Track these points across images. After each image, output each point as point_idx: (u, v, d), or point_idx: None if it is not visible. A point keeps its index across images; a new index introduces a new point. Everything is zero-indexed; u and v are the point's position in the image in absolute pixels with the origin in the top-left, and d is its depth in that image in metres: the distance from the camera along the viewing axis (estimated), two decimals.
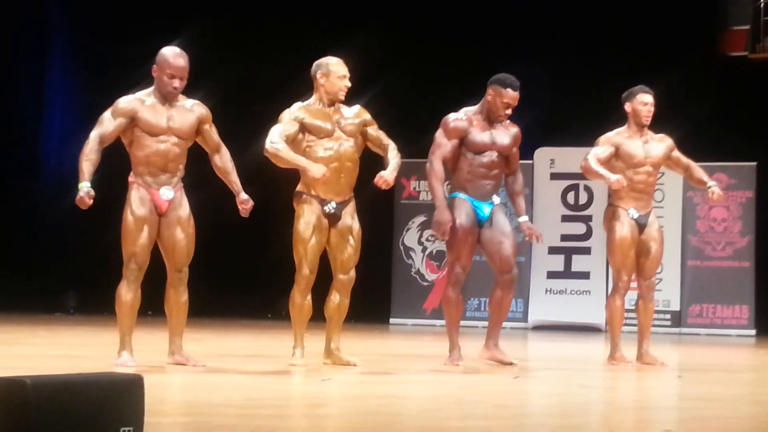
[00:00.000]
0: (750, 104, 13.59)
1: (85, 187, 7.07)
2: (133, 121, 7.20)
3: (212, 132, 7.44)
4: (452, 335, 8.01)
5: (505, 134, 8.02)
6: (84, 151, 7.13)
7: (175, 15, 14.34)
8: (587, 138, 13.54)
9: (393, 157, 7.64)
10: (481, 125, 7.96)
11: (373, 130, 7.68)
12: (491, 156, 7.97)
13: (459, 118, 7.98)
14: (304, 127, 7.52)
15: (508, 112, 7.96)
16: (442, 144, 7.94)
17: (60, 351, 8.91)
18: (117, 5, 14.83)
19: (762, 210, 13.56)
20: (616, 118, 13.14)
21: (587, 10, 14.02)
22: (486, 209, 7.95)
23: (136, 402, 3.87)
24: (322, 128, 7.53)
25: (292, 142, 7.50)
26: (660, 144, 8.56)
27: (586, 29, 14.02)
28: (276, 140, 7.43)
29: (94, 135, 7.17)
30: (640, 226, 8.45)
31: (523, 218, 8.15)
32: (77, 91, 15.18)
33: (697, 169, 8.63)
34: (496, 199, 8.03)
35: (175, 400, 5.79)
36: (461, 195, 7.98)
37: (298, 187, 7.62)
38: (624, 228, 8.41)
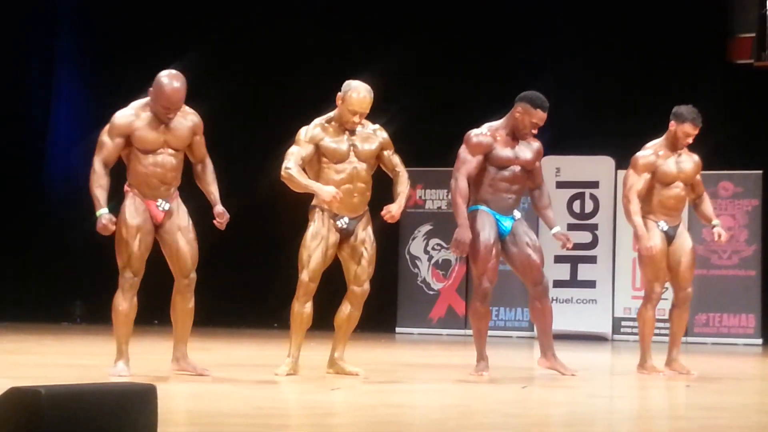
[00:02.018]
0: (756, 112, 13.59)
1: (105, 214, 7.10)
2: (129, 138, 7.21)
3: (201, 143, 7.42)
4: (480, 346, 8.06)
5: (528, 149, 8.04)
6: (93, 180, 7.13)
7: (184, 27, 14.39)
8: (594, 146, 13.67)
9: (402, 190, 7.63)
10: (504, 140, 7.98)
11: (389, 153, 7.66)
12: (514, 170, 7.99)
13: (482, 133, 7.98)
14: (319, 149, 7.51)
15: (535, 131, 8.00)
16: (467, 160, 7.93)
17: (69, 360, 8.93)
18: (126, 15, 14.85)
19: None
20: (622, 125, 13.22)
21: (593, 18, 14.04)
22: (507, 223, 7.97)
23: (150, 412, 3.89)
24: (336, 152, 7.49)
25: (308, 163, 7.49)
26: (691, 161, 8.60)
27: (591, 36, 14.03)
28: (290, 165, 7.40)
29: (97, 162, 7.17)
30: (669, 237, 8.52)
31: (556, 229, 8.18)
32: (85, 101, 15.20)
33: (707, 202, 8.78)
34: (516, 214, 8.04)
35: (184, 409, 5.80)
36: (483, 208, 7.99)
37: (313, 202, 7.60)
38: (655, 239, 8.47)
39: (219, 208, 7.41)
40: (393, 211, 7.53)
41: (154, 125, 7.21)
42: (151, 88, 7.19)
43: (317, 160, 7.52)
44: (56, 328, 13.55)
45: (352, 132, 7.55)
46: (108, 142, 7.20)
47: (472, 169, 7.92)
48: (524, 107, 7.94)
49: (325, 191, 7.32)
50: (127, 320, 7.25)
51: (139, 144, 7.19)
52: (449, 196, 14.18)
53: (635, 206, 8.47)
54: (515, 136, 7.99)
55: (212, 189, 7.46)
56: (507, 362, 9.49)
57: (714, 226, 8.68)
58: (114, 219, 7.12)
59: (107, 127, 7.24)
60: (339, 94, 7.52)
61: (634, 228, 8.50)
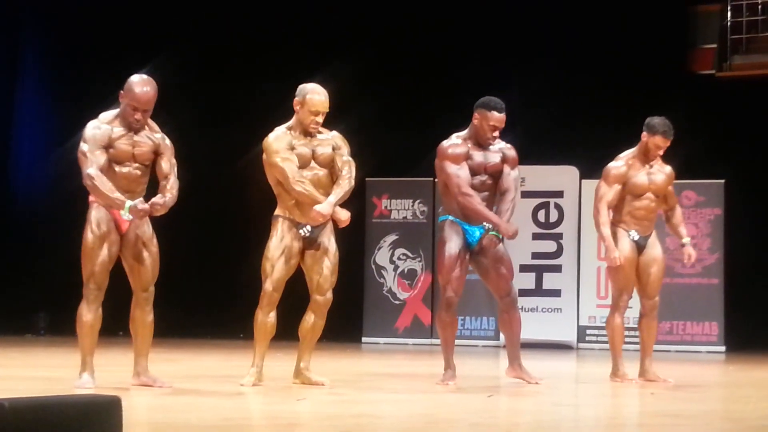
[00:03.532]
0: (718, 122, 13.70)
1: (131, 203, 7.00)
2: (106, 149, 7.18)
3: (165, 165, 7.28)
4: (447, 355, 8.09)
5: (495, 155, 8.04)
6: (98, 185, 7.00)
7: (150, 38, 14.36)
8: (558, 156, 13.73)
9: (337, 186, 7.52)
10: (473, 148, 7.99)
11: (339, 156, 7.59)
12: (482, 178, 8.00)
13: (455, 143, 7.98)
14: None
15: (496, 134, 7.99)
16: (459, 175, 7.89)
17: (34, 373, 8.88)
18: (90, 28, 14.81)
19: (730, 227, 13.66)
20: (586, 135, 13.29)
21: (558, 29, 14.11)
22: (477, 233, 7.98)
23: (115, 424, 3.87)
24: (301, 157, 7.51)
25: (272, 169, 7.49)
26: (663, 172, 8.63)
27: (555, 47, 14.10)
28: (300, 179, 7.41)
29: (92, 169, 7.04)
30: (640, 247, 8.56)
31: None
32: (48, 114, 15.15)
33: (679, 215, 8.79)
34: (487, 224, 8.04)
35: (149, 421, 5.77)
36: (452, 218, 8.01)
37: (276, 211, 7.60)
38: (624, 249, 8.51)
39: (157, 198, 7.20)
40: (317, 208, 7.42)
41: (126, 138, 7.20)
42: (121, 91, 7.21)
43: (274, 177, 7.51)
44: (20, 340, 13.47)
45: (312, 137, 7.55)
46: (93, 152, 7.10)
47: (468, 179, 7.91)
48: (480, 113, 7.96)
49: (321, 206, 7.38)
50: (91, 332, 7.21)
51: (112, 156, 7.17)
52: (415, 206, 14.32)
53: (604, 217, 8.50)
54: (480, 143, 8.00)
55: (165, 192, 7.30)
56: (473, 371, 9.51)
57: (683, 245, 8.73)
58: (143, 202, 7.06)
59: (86, 139, 7.15)
60: (296, 99, 7.54)
61: (603, 239, 8.55)
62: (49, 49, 15.31)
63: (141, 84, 7.18)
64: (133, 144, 7.23)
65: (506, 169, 8.05)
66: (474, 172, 7.96)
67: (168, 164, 7.33)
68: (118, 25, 14.64)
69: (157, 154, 7.32)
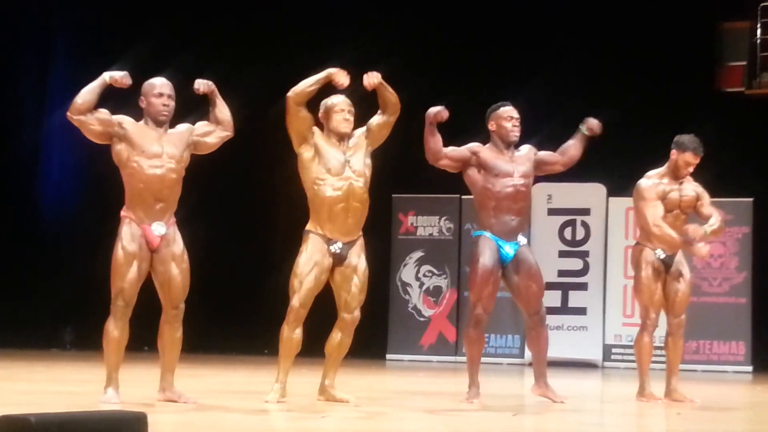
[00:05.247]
0: (747, 140, 13.63)
1: (109, 73, 7.21)
2: (121, 139, 7.20)
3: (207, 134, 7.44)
4: (471, 373, 8.04)
5: (523, 161, 8.05)
6: (83, 91, 7.23)
7: (178, 47, 14.38)
8: (585, 173, 13.66)
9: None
10: (497, 155, 8.00)
11: (373, 123, 7.64)
12: (515, 185, 7.98)
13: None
14: (318, 153, 7.51)
15: (515, 128, 7.99)
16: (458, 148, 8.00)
17: (60, 387, 8.90)
18: (118, 40, 14.86)
19: (759, 245, 13.58)
20: (614, 152, 13.23)
21: (583, 46, 14.09)
22: (508, 249, 7.95)
23: None
24: (332, 163, 7.50)
25: (303, 140, 7.48)
26: (692, 190, 8.54)
27: (581, 64, 14.07)
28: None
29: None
30: (666, 265, 8.52)
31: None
32: (76, 128, 15.18)
33: (714, 220, 8.42)
34: (522, 240, 8.02)
35: None
36: (486, 234, 7.98)
37: (307, 226, 7.57)
38: (650, 267, 8.48)
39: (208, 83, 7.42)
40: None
41: (150, 134, 7.23)
42: (141, 96, 7.28)
43: (313, 170, 7.48)
44: (46, 354, 13.51)
45: (347, 147, 7.53)
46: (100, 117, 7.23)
47: (457, 152, 7.94)
48: (492, 116, 8.02)
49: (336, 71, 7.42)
50: (118, 347, 7.21)
51: (136, 147, 7.17)
52: (441, 223, 14.29)
53: (667, 228, 8.35)
54: (504, 147, 8.02)
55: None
56: (498, 389, 9.48)
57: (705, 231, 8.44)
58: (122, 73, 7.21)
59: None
60: (320, 113, 7.59)
61: (684, 246, 8.34)
62: (79, 63, 15.36)
63: (158, 78, 7.35)
64: (161, 138, 7.25)
65: (539, 154, 8.14)
66: (503, 174, 7.96)
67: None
68: (144, 37, 14.67)
69: (191, 133, 7.36)
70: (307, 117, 7.48)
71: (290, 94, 7.44)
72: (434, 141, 7.86)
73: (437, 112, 7.79)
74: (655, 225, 8.38)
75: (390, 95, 7.62)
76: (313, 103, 7.61)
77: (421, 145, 8.05)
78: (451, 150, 7.98)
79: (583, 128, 8.21)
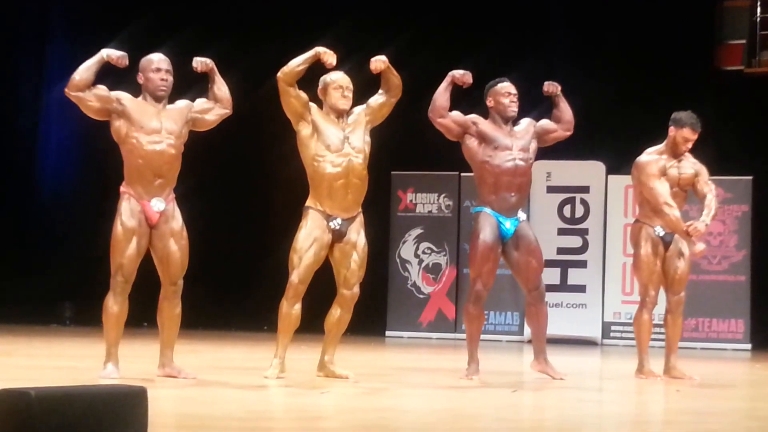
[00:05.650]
0: (746, 118, 13.62)
1: (107, 51, 7.24)
2: (120, 115, 7.19)
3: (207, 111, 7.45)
4: (471, 349, 8.05)
5: (522, 134, 8.06)
6: (81, 68, 7.24)
7: (179, 26, 14.36)
8: (584, 151, 13.67)
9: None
10: (496, 128, 8.00)
11: (374, 101, 7.67)
12: (514, 159, 7.97)
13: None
14: (316, 129, 7.51)
15: (513, 104, 7.98)
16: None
17: (59, 362, 8.91)
18: (117, 20, 14.84)
19: (758, 224, 13.58)
20: (613, 130, 13.23)
21: (583, 25, 14.06)
22: (508, 224, 7.95)
23: (140, 414, 3.88)
24: (331, 140, 7.50)
25: (299, 118, 7.48)
26: (691, 167, 8.52)
27: (581, 42, 14.05)
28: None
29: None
30: (666, 243, 8.52)
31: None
32: (74, 104, 15.16)
33: (708, 202, 8.39)
34: (522, 215, 8.02)
35: (174, 412, 5.79)
36: (486, 210, 7.98)
37: (307, 203, 7.58)
38: (650, 244, 8.47)
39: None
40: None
41: (149, 108, 7.23)
42: (138, 72, 7.29)
43: (312, 147, 7.47)
44: (45, 330, 13.53)
45: (345, 124, 7.52)
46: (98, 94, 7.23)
47: (456, 118, 7.97)
48: (490, 91, 8.06)
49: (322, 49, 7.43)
50: (117, 323, 7.23)
51: (135, 123, 7.16)
52: (440, 200, 14.28)
53: (677, 212, 8.32)
54: (502, 123, 8.03)
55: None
56: (497, 366, 9.49)
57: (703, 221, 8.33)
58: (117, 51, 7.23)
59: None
60: (319, 89, 7.60)
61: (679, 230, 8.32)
62: (76, 40, 15.34)
63: (151, 54, 7.34)
64: (159, 114, 7.25)
65: (541, 123, 8.21)
66: (502, 147, 7.98)
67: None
68: (142, 15, 14.64)
69: (190, 110, 7.36)
70: (300, 95, 7.49)
71: (280, 74, 7.45)
72: (444, 98, 7.91)
73: (463, 74, 7.93)
74: (667, 204, 8.32)
75: (394, 78, 7.64)
76: (312, 80, 7.61)
77: (420, 123, 8.06)
78: (455, 113, 8.00)
79: (545, 94, 8.23)
